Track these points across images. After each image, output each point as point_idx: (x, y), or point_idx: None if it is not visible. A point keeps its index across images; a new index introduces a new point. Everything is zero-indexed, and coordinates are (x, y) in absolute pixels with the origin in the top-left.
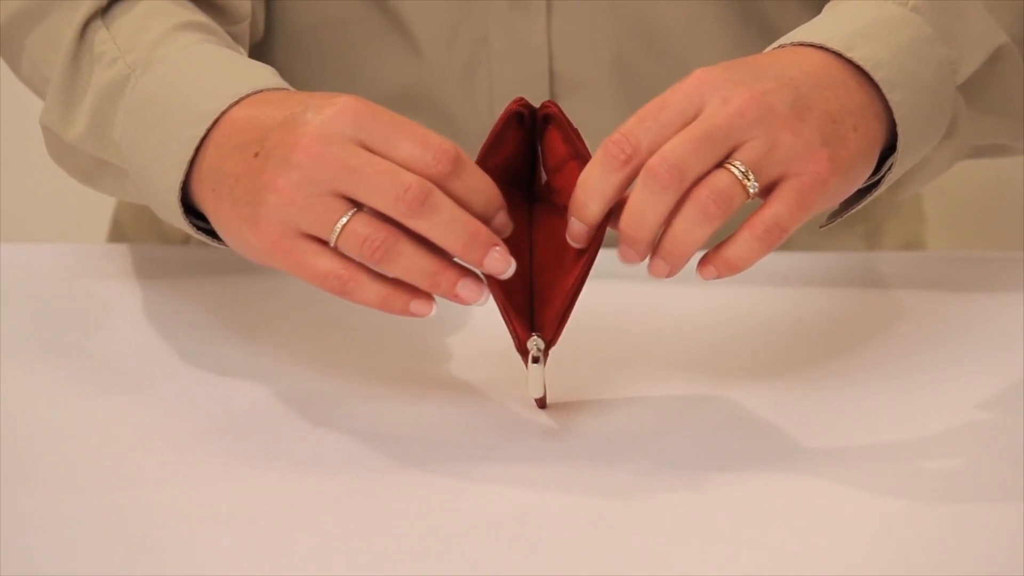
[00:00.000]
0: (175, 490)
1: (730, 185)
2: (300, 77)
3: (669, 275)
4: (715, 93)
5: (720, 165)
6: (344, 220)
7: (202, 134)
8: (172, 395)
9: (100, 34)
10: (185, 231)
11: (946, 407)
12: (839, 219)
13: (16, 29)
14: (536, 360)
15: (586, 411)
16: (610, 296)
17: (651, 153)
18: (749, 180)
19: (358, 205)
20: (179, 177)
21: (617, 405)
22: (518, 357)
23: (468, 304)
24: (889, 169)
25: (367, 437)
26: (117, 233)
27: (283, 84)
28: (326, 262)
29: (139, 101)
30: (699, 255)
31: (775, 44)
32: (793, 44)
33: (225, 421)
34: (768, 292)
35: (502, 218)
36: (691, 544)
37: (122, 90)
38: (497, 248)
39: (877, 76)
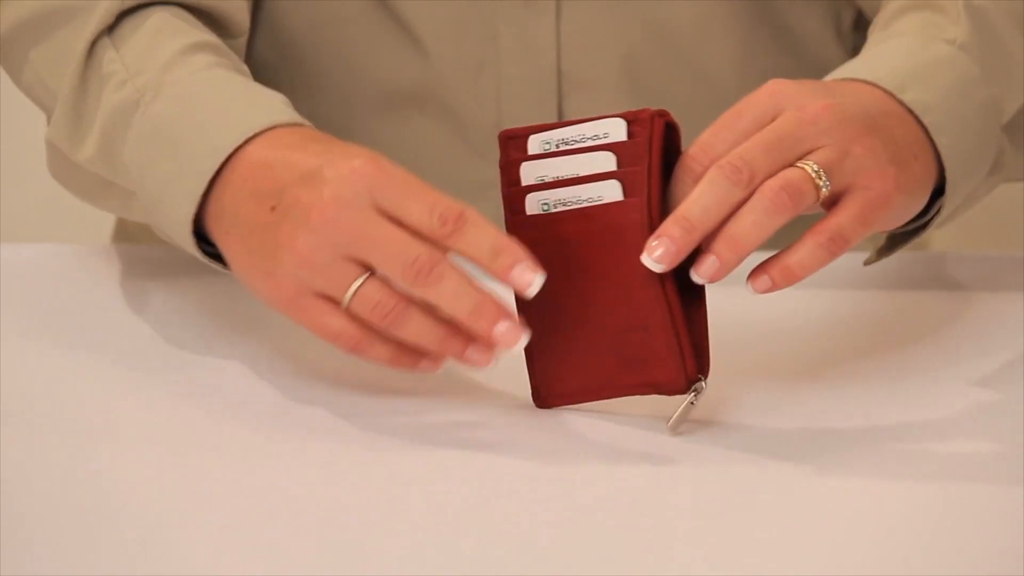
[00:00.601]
0: (176, 489)
1: (803, 180)
2: (304, 75)
3: (716, 276)
4: (790, 101)
5: (792, 166)
6: (356, 285)
7: (216, 167)
8: (174, 395)
9: (108, 53)
10: (193, 256)
11: (946, 407)
12: (887, 255)
13: (18, 38)
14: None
15: (589, 410)
16: None
17: None
18: (822, 179)
19: (372, 269)
20: (192, 209)
21: (618, 404)
22: (522, 355)
23: (478, 367)
24: (938, 211)
25: (370, 434)
26: (122, 233)
27: (296, 117)
28: (339, 322)
29: (150, 127)
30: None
31: (826, 79)
32: (844, 79)
33: (227, 420)
34: None
35: (520, 271)
36: (694, 543)
37: (132, 115)
38: (505, 322)
39: (926, 120)
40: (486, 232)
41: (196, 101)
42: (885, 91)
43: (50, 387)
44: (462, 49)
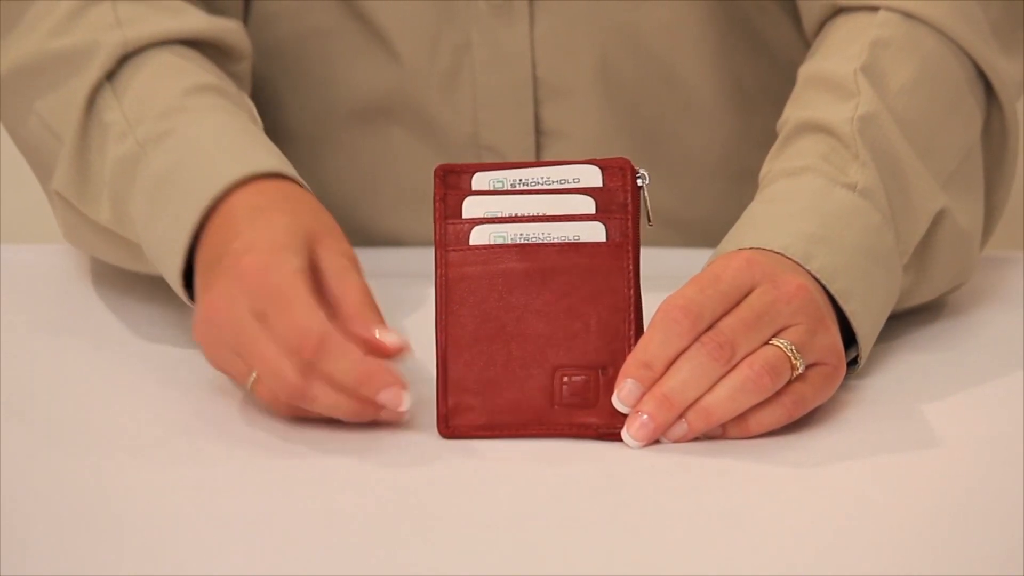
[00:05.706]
0: (176, 489)
1: (782, 361)
2: (281, 88)
3: (682, 438)
4: (764, 276)
5: (768, 343)
6: (252, 379)
7: (195, 223)
8: (173, 394)
9: (108, 100)
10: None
11: (946, 407)
12: None
13: (21, 85)
14: None
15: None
16: None
17: (713, 320)
18: (797, 359)
19: None
20: (179, 262)
21: None
22: None
23: (391, 407)
24: (856, 362)
25: (363, 431)
26: None
27: (276, 165)
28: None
29: (152, 181)
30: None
31: (728, 244)
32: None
33: (228, 420)
34: None
35: (388, 395)
36: (692, 542)
37: (135, 169)
38: (390, 389)
39: (833, 288)
40: (349, 359)
41: (188, 152)
42: (794, 261)
43: (50, 387)
44: (436, 58)
